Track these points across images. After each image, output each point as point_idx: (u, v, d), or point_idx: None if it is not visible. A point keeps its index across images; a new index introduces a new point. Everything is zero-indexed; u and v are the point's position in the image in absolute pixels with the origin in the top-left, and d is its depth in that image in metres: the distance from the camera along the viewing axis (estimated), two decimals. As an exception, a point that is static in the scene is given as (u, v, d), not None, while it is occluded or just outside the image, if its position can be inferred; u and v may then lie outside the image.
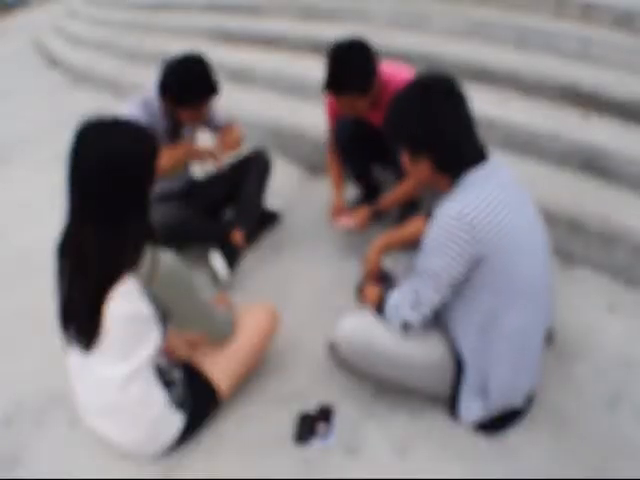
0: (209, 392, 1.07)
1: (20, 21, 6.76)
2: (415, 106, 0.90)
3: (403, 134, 0.94)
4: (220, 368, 1.07)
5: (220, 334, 1.07)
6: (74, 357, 0.98)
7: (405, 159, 0.97)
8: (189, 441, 1.08)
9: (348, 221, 1.51)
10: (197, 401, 1.05)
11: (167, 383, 1.01)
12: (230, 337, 1.09)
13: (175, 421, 1.02)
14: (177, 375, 1.04)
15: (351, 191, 1.88)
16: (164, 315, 0.96)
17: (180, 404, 1.02)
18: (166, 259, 0.89)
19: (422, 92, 0.91)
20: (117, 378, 0.94)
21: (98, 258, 0.85)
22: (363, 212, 1.51)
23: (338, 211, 1.59)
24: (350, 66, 1.27)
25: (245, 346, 1.10)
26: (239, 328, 1.11)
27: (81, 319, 0.91)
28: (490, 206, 0.88)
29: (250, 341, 1.11)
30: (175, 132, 1.53)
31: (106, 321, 0.89)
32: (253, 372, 1.20)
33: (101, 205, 0.85)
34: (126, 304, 0.88)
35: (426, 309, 0.96)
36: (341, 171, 1.65)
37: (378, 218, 1.51)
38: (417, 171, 0.96)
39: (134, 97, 1.46)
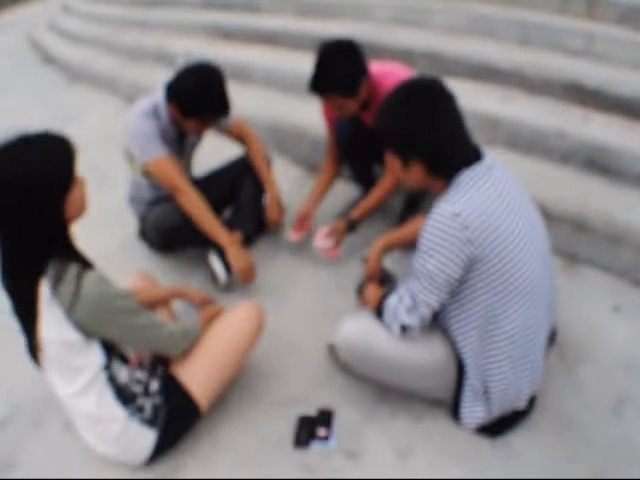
0: (188, 406, 1.03)
1: (16, 16, 6.68)
2: (401, 111, 0.89)
3: (392, 140, 0.93)
4: (199, 381, 1.02)
5: (172, 350, 1.01)
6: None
7: (396, 165, 0.96)
8: (168, 454, 1.05)
9: (324, 243, 1.47)
10: (174, 415, 1.02)
11: (133, 398, 0.96)
12: (185, 351, 1.03)
13: (145, 437, 0.99)
14: (155, 387, 1.01)
15: (351, 190, 1.86)
16: (102, 337, 0.91)
17: (151, 421, 0.99)
18: (91, 287, 0.83)
19: (407, 96, 0.90)
20: (68, 398, 0.93)
21: (12, 292, 0.85)
22: (339, 227, 1.47)
23: (303, 217, 1.55)
24: (333, 68, 1.25)
25: (226, 352, 1.05)
26: (219, 330, 1.06)
27: (27, 341, 0.91)
28: (483, 205, 0.87)
29: (231, 347, 1.06)
30: (181, 139, 1.49)
31: (42, 345, 0.87)
32: (245, 375, 1.17)
33: (4, 235, 0.82)
34: (52, 329, 0.86)
35: (424, 311, 0.95)
36: (330, 181, 1.60)
37: (352, 230, 1.49)
38: (410, 176, 0.95)
39: (144, 101, 1.41)
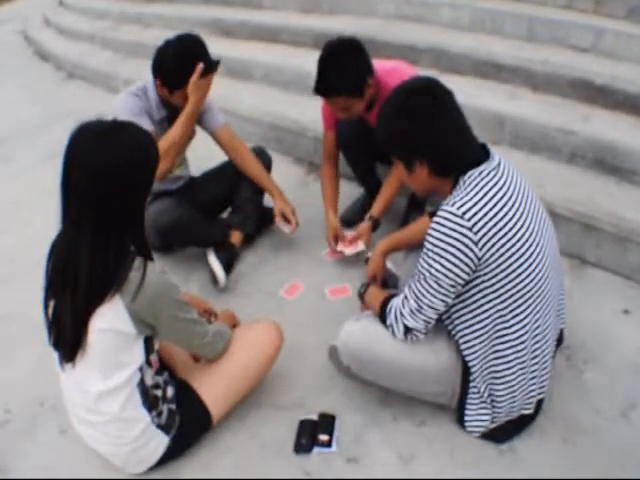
0: (202, 418, 1.02)
1: (9, 10, 6.56)
2: (400, 113, 0.88)
3: (394, 144, 0.92)
4: (217, 398, 1.02)
5: (210, 354, 1.02)
6: (58, 367, 0.94)
7: (401, 171, 0.94)
8: (174, 460, 1.03)
9: (355, 247, 1.44)
10: (188, 424, 1.01)
11: (156, 402, 0.96)
12: (222, 354, 1.04)
13: (158, 443, 0.98)
14: (171, 393, 1.00)
15: (353, 189, 1.83)
16: (150, 332, 0.91)
17: (165, 426, 0.98)
18: (153, 277, 0.85)
19: (405, 98, 0.89)
20: (97, 396, 0.91)
21: (91, 275, 0.82)
22: (366, 229, 1.44)
23: (335, 234, 1.49)
24: (338, 69, 1.23)
25: (245, 374, 1.06)
26: (240, 350, 1.06)
27: (66, 334, 0.87)
28: (489, 205, 0.85)
29: (251, 368, 1.06)
30: (170, 123, 1.45)
31: (89, 337, 0.85)
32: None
33: (96, 216, 0.81)
34: (108, 320, 0.84)
35: (429, 314, 0.93)
36: (336, 187, 1.56)
37: (376, 228, 1.48)
38: (416, 180, 0.93)
39: (134, 85, 1.42)
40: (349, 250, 1.46)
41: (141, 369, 0.92)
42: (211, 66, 1.34)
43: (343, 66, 1.23)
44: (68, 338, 0.86)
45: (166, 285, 0.87)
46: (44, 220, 1.32)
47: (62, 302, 0.85)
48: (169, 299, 0.88)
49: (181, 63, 1.30)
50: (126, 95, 1.37)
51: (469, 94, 1.80)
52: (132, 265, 0.83)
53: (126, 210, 0.83)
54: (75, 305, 0.83)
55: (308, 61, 2.42)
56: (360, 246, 1.45)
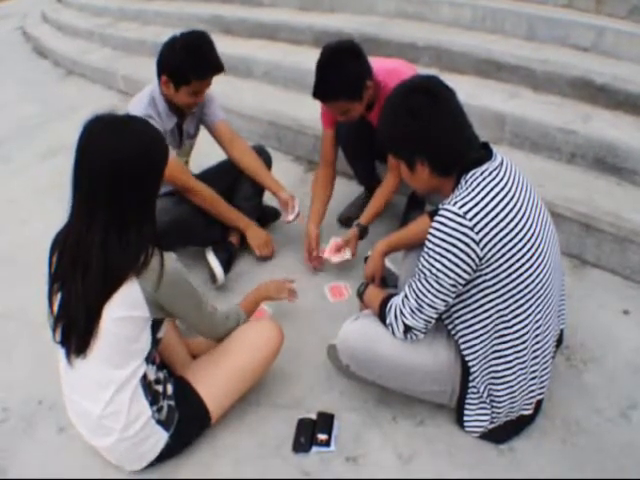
0: (201, 416, 1.03)
1: (9, 6, 6.51)
2: (401, 112, 0.88)
3: (396, 143, 0.92)
4: (215, 396, 1.03)
5: (222, 329, 1.07)
6: (64, 361, 0.94)
7: (402, 171, 0.95)
8: (172, 458, 1.03)
9: (338, 256, 1.44)
10: (187, 422, 1.01)
11: (157, 397, 0.96)
12: (224, 334, 1.08)
13: (157, 439, 0.98)
14: (170, 389, 1.00)
15: (354, 188, 1.82)
16: (161, 315, 0.93)
17: (165, 423, 0.98)
18: (170, 262, 0.89)
19: (406, 97, 0.89)
20: (105, 387, 0.91)
21: (105, 261, 0.83)
22: (352, 237, 1.43)
23: (314, 245, 1.46)
24: (337, 74, 1.22)
25: (243, 374, 1.06)
26: (239, 348, 1.07)
27: (78, 324, 0.87)
28: (491, 204, 0.85)
29: (249, 368, 1.07)
30: (180, 128, 1.45)
31: (103, 325, 0.86)
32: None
33: (109, 206, 0.83)
34: (125, 307, 0.86)
35: (429, 313, 0.92)
36: (327, 193, 1.52)
37: (364, 236, 1.47)
38: (418, 179, 0.93)
39: (141, 96, 1.37)
40: (335, 258, 1.45)
41: (145, 362, 0.93)
42: (219, 66, 1.33)
43: (341, 71, 1.22)
44: (81, 328, 0.86)
45: (181, 271, 0.91)
46: (41, 219, 1.31)
47: (73, 292, 0.85)
48: (184, 284, 0.92)
49: (189, 55, 1.27)
50: (139, 107, 1.32)
51: (469, 93, 1.79)
52: (153, 251, 0.85)
53: (139, 198, 0.85)
54: (88, 293, 0.84)
55: (308, 59, 2.40)
56: (346, 254, 1.44)
